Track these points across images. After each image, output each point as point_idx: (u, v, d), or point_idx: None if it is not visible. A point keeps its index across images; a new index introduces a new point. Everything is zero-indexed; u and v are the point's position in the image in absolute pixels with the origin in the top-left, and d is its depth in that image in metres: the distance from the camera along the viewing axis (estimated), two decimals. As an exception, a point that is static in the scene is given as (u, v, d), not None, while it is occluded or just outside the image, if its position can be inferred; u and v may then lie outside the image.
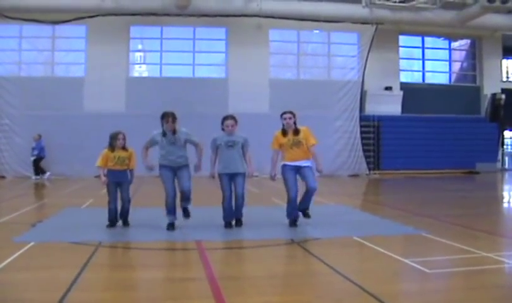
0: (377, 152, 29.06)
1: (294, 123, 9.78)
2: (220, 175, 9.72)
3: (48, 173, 24.31)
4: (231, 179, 9.69)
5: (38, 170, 24.57)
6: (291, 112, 9.81)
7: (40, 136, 24.64)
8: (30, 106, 25.38)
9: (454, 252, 7.71)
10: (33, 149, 24.58)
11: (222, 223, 9.81)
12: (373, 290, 5.50)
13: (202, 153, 9.71)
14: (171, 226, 9.52)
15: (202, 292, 5.64)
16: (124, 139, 9.79)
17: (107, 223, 9.72)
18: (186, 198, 9.68)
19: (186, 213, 9.78)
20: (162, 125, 9.56)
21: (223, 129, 9.79)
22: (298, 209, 9.91)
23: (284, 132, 9.77)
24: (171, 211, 9.58)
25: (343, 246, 8.34)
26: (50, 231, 9.38)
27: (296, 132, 9.73)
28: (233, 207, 9.80)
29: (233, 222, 9.85)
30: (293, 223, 9.82)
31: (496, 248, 8.12)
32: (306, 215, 9.94)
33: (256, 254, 8.11)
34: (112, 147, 9.74)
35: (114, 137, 9.74)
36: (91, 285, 5.95)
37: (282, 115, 9.84)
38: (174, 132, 9.54)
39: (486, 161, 29.59)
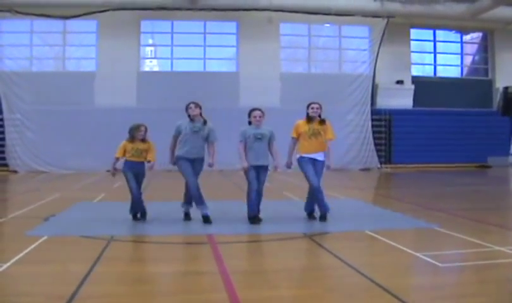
0: (389, 146, 29.01)
1: (319, 115, 9.79)
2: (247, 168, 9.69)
3: None
4: (257, 172, 9.63)
5: None
6: (318, 103, 9.82)
7: None
8: (42, 101, 25.51)
9: (466, 246, 7.69)
10: None
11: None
12: (385, 284, 5.49)
13: (214, 154, 9.68)
14: (208, 219, 9.56)
15: (214, 286, 5.66)
16: (145, 131, 9.81)
17: (130, 215, 9.80)
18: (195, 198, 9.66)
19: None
20: (188, 116, 9.61)
21: (250, 122, 9.74)
22: (307, 209, 9.98)
23: (309, 120, 9.76)
24: (200, 201, 9.56)
25: (355, 240, 8.34)
26: (62, 225, 9.43)
27: (322, 122, 9.76)
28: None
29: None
30: (310, 216, 9.91)
31: (508, 242, 8.09)
32: (311, 216, 9.96)
33: (268, 248, 8.12)
34: (131, 138, 9.76)
35: (135, 128, 9.73)
36: (104, 279, 5.97)
37: (309, 105, 9.83)
38: (204, 122, 9.60)
39: (498, 155, 29.45)
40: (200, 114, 9.66)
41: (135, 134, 9.72)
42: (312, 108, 9.74)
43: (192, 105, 9.61)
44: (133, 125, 9.80)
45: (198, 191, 9.55)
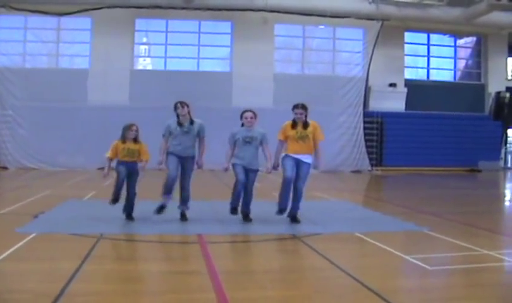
0: (380, 148, 29.06)
1: (305, 117, 9.74)
2: (234, 165, 9.62)
3: None
4: (245, 171, 9.58)
5: None
6: (303, 107, 9.66)
7: None
8: (34, 98, 25.40)
9: (455, 249, 7.72)
10: None
11: (230, 216, 9.71)
12: (374, 286, 5.51)
13: (204, 150, 9.74)
14: (161, 209, 9.60)
15: (203, 286, 5.66)
16: (137, 131, 9.77)
17: (111, 198, 9.74)
18: (183, 198, 9.70)
19: (184, 217, 9.75)
20: (177, 116, 9.62)
21: (242, 124, 9.74)
22: (288, 214, 9.89)
23: (294, 124, 9.69)
24: (168, 191, 9.60)
25: (344, 242, 8.36)
26: (52, 223, 9.40)
27: (305, 125, 9.66)
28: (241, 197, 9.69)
29: (239, 209, 9.72)
30: (281, 212, 9.75)
31: (497, 246, 8.13)
32: (294, 220, 9.82)
33: (257, 248, 8.13)
34: (123, 138, 9.74)
35: (127, 128, 9.70)
36: (92, 277, 5.97)
37: (293, 108, 9.73)
38: (191, 121, 9.62)
39: (489, 160, 29.56)
40: (189, 113, 9.67)
41: (126, 133, 9.70)
42: (296, 113, 9.65)
43: (179, 105, 9.62)
44: (125, 125, 9.78)
45: (172, 184, 9.61)
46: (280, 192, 9.79)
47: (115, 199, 9.75)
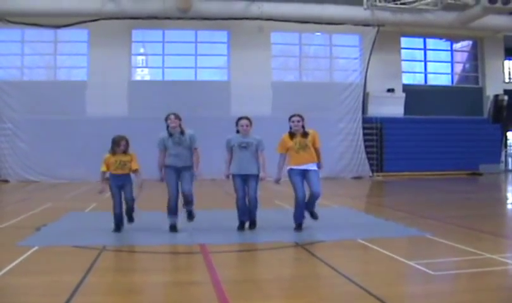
0: (380, 154, 29.03)
1: (303, 126, 9.70)
2: (233, 176, 9.68)
3: None
4: (243, 181, 9.62)
5: None
6: (299, 115, 9.69)
7: None
8: (33, 111, 25.37)
9: (458, 253, 7.70)
10: None
11: (232, 225, 9.70)
12: (378, 293, 5.49)
13: (198, 160, 9.73)
14: (173, 228, 9.60)
15: (207, 296, 5.64)
16: (125, 145, 9.75)
17: (112, 227, 9.72)
18: (187, 201, 9.70)
19: (190, 216, 9.79)
20: (167, 127, 9.61)
21: (238, 131, 9.76)
22: (305, 209, 9.86)
23: (292, 135, 9.68)
24: (172, 212, 9.65)
25: (347, 248, 8.33)
26: (53, 236, 9.38)
27: (305, 135, 9.66)
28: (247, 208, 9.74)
29: (247, 224, 9.78)
30: (299, 227, 9.76)
31: (501, 249, 8.09)
32: (313, 216, 9.87)
33: (260, 257, 8.12)
34: (113, 151, 9.74)
35: (115, 143, 9.69)
36: (95, 289, 5.94)
37: (290, 118, 9.74)
38: (181, 132, 9.61)
39: (489, 163, 29.56)
40: (180, 126, 9.66)
41: (115, 148, 9.70)
42: (293, 121, 9.63)
43: (172, 116, 9.60)
44: (114, 139, 9.75)
45: (174, 204, 9.67)
46: (294, 212, 9.81)
47: (117, 227, 9.77)
